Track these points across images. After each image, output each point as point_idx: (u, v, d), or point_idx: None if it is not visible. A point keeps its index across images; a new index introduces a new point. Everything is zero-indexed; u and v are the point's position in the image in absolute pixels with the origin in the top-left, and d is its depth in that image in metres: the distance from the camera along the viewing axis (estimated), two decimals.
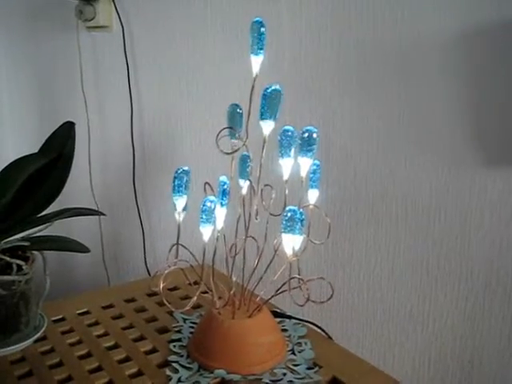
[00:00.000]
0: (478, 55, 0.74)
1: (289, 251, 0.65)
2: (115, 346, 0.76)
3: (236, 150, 0.67)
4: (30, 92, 1.64)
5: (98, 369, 0.71)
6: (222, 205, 0.66)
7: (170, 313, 0.84)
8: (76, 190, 1.37)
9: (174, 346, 0.75)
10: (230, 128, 0.69)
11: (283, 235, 0.65)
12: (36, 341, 0.75)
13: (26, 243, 0.73)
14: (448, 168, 0.80)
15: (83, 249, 0.77)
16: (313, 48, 0.92)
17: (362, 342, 0.95)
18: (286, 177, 0.69)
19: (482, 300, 0.80)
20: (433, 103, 0.80)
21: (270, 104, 0.63)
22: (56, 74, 1.52)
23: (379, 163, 0.87)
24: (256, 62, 0.63)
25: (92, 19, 1.26)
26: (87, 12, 1.26)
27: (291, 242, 0.65)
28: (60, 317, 0.84)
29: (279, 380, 0.67)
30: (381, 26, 0.83)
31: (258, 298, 0.74)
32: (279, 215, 0.66)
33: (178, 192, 0.66)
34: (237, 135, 0.68)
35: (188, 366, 0.70)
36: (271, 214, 0.70)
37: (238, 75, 1.03)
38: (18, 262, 0.72)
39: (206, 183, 0.69)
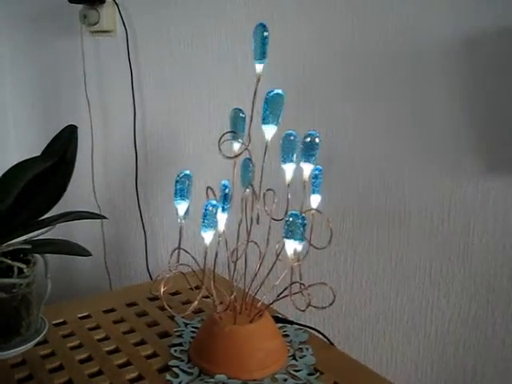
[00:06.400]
0: (481, 62, 0.74)
1: (291, 256, 0.65)
2: (116, 350, 0.76)
3: (238, 155, 0.67)
4: (33, 95, 1.64)
5: (99, 373, 0.71)
6: (223, 209, 0.66)
7: (172, 317, 0.84)
8: (78, 193, 1.38)
9: (175, 351, 0.75)
10: (233, 132, 0.68)
11: (285, 240, 0.65)
12: (37, 344, 0.75)
13: (27, 246, 0.73)
14: (451, 174, 0.79)
15: (85, 252, 0.77)
16: (316, 53, 0.92)
17: (364, 348, 0.94)
18: (288, 181, 0.69)
19: (485, 306, 0.79)
20: (436, 109, 0.80)
21: (272, 108, 0.63)
22: (60, 77, 1.52)
23: (382, 169, 0.87)
24: (259, 66, 0.63)
25: (96, 23, 1.27)
26: (91, 16, 1.26)
27: (293, 247, 0.65)
28: (61, 320, 0.84)
29: None
30: (384, 32, 0.83)
31: (259, 303, 0.73)
32: (281, 220, 0.66)
33: (180, 196, 0.65)
34: (239, 140, 0.68)
35: (189, 370, 0.70)
36: (273, 219, 0.69)
37: (241, 79, 1.03)
38: (19, 265, 0.72)
39: (208, 187, 0.69)
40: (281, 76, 0.95)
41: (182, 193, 0.65)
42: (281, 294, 0.69)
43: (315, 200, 0.70)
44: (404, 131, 0.84)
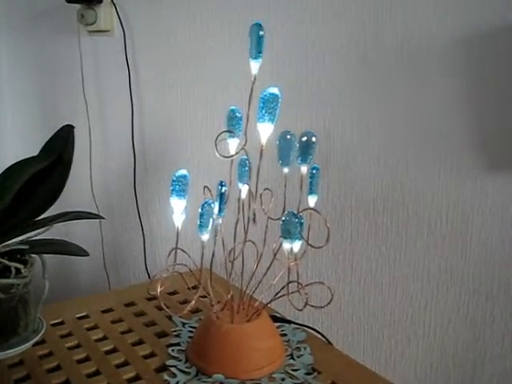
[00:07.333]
0: (482, 59, 0.74)
1: (288, 255, 0.65)
2: (114, 350, 0.76)
3: (235, 154, 0.67)
4: (31, 96, 1.64)
5: (96, 373, 0.71)
6: (220, 208, 0.66)
7: (169, 317, 0.84)
8: (77, 193, 1.38)
9: (173, 351, 0.74)
10: (229, 132, 0.68)
11: (282, 239, 0.65)
12: (34, 344, 0.75)
13: (24, 246, 0.73)
14: (449, 172, 0.79)
15: (82, 252, 0.77)
16: (314, 52, 0.92)
17: (363, 348, 0.94)
18: (285, 181, 0.69)
19: (484, 305, 0.79)
20: (435, 107, 0.79)
21: (267, 107, 0.63)
22: (57, 77, 1.52)
23: (380, 167, 0.87)
24: (255, 65, 0.63)
25: (93, 23, 1.27)
26: (89, 16, 1.26)
27: (290, 246, 0.65)
28: (59, 320, 0.84)
29: None
30: (383, 30, 0.83)
31: (256, 303, 0.73)
32: (278, 219, 0.66)
33: (177, 196, 0.65)
34: (235, 138, 0.68)
35: (186, 370, 0.70)
36: (270, 218, 0.69)
37: (238, 79, 1.03)
38: (17, 265, 0.71)
39: (205, 187, 0.69)
40: (278, 75, 0.95)
41: (178, 192, 0.65)
42: (278, 293, 0.69)
43: (312, 199, 0.70)
44: (402, 130, 0.84)
